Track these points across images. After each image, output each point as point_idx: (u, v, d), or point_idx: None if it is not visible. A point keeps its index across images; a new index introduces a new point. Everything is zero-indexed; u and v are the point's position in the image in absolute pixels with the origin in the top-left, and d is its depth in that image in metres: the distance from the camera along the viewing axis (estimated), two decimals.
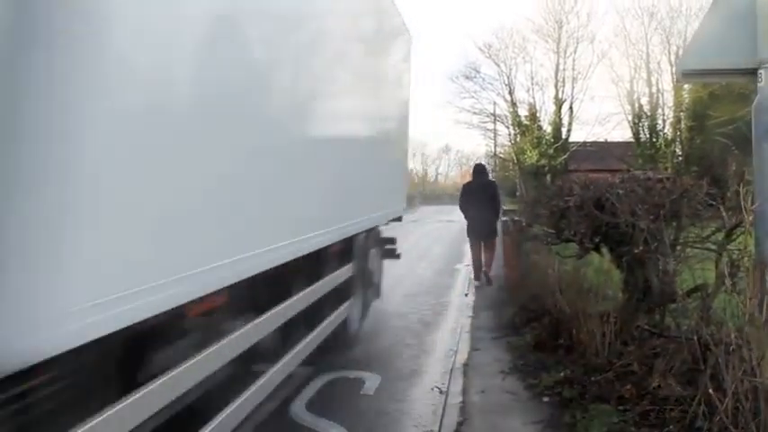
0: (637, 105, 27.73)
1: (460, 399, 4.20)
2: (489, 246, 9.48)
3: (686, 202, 4.32)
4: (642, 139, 27.55)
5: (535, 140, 28.36)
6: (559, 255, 5.76)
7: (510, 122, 30.33)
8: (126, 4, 1.74)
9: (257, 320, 3.08)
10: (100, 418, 1.75)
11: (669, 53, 26.48)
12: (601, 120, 29.74)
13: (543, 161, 27.87)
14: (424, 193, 79.39)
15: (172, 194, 2.05)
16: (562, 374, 4.19)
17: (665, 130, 27.51)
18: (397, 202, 7.39)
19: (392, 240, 7.45)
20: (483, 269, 9.37)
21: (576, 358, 4.41)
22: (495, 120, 30.88)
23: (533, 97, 29.82)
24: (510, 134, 30.97)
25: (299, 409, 4.11)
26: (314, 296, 4.15)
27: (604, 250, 4.98)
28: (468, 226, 9.60)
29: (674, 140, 26.93)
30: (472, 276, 9.71)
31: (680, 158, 26.42)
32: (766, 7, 3.69)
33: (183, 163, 2.10)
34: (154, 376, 2.10)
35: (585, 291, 4.98)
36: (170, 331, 2.34)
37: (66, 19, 1.55)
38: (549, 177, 26.17)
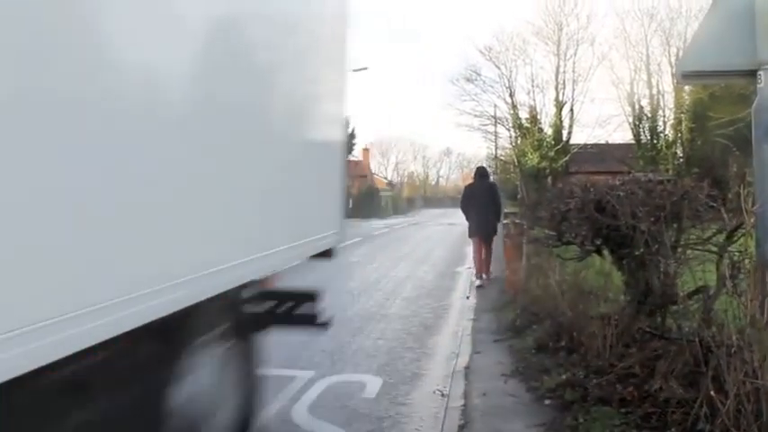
0: (637, 107, 27.71)
1: (462, 402, 4.19)
2: (489, 246, 9.86)
3: (687, 203, 4.31)
4: (643, 141, 27.53)
5: (536, 143, 28.34)
6: (560, 257, 5.76)
7: (511, 125, 30.31)
8: None
9: None
10: None
11: (669, 55, 26.47)
12: (601, 122, 29.51)
13: (544, 163, 27.85)
14: (425, 197, 79.58)
15: None
16: (564, 377, 4.18)
17: (666, 132, 27.48)
18: (323, 228, 3.97)
19: (308, 296, 3.80)
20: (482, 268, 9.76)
21: (577, 361, 4.40)
22: (495, 122, 30.90)
23: (534, 100, 29.76)
24: (511, 136, 30.96)
25: (300, 412, 4.10)
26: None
27: (605, 252, 4.98)
28: (470, 226, 9.94)
29: (674, 142, 26.90)
30: (474, 276, 9.91)
31: (681, 160, 26.39)
32: (765, 8, 3.69)
33: None
34: None
35: (587, 293, 4.98)
36: None
37: None
38: (549, 180, 26.15)
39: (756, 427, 2.73)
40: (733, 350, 2.92)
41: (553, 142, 28.33)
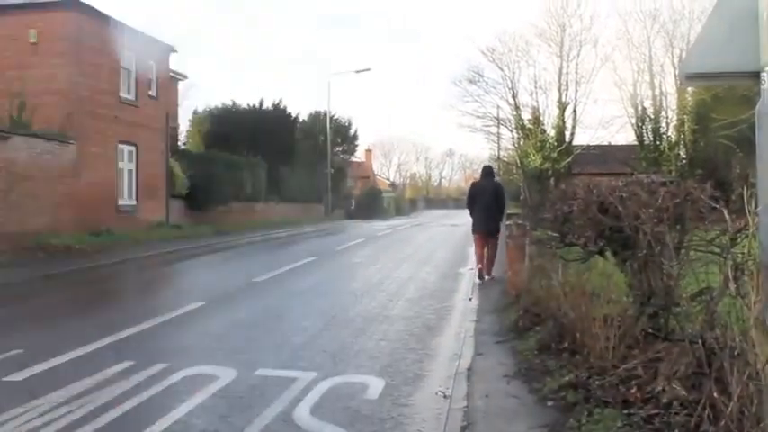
0: (640, 108, 27.63)
1: (464, 403, 4.19)
2: (492, 244, 10.15)
3: (690, 205, 4.31)
4: (646, 143, 27.48)
5: (539, 144, 28.29)
6: (563, 258, 5.76)
7: (513, 126, 30.22)
8: None
9: None
10: None
11: (672, 56, 26.38)
12: (604, 123, 29.40)
13: (547, 165, 27.80)
14: (427, 198, 79.62)
15: None
16: (566, 378, 4.18)
17: (669, 134, 27.42)
18: None
19: None
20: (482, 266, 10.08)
21: (580, 362, 4.39)
22: (498, 123, 30.84)
23: (537, 101, 29.64)
24: (513, 138, 30.89)
25: (303, 413, 4.11)
26: None
27: (608, 254, 4.98)
28: (474, 223, 10.26)
29: (677, 143, 26.85)
30: (476, 275, 10.09)
31: (684, 161, 26.35)
32: None
33: None
34: None
35: (589, 294, 4.97)
36: None
37: None
38: (552, 181, 26.11)
39: (759, 428, 2.72)
40: (736, 352, 2.92)
41: (556, 143, 28.28)
